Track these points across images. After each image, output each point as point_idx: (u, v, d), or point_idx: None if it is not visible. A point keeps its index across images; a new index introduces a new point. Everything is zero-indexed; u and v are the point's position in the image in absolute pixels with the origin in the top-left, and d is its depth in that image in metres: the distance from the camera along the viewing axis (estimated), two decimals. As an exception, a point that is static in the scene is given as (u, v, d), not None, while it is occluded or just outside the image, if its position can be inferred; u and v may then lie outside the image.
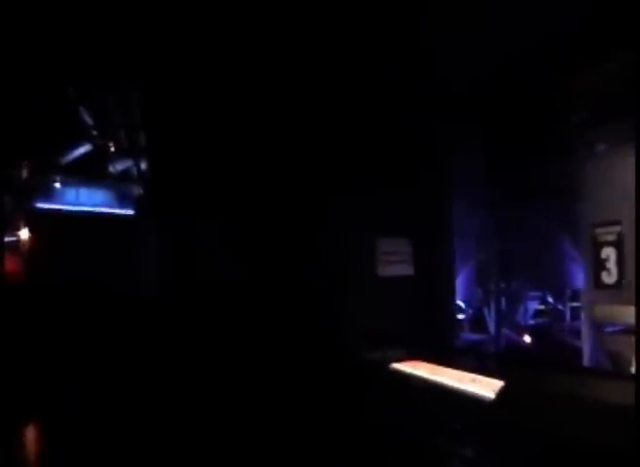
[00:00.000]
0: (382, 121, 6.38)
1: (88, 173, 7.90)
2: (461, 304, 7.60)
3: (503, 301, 7.80)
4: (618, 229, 5.33)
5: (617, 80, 5.08)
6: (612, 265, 5.41)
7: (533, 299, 8.03)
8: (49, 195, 7.64)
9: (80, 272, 7.51)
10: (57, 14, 6.90)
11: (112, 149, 7.92)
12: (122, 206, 8.06)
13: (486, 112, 7.01)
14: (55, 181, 7.64)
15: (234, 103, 6.81)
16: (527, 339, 7.61)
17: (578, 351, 6.55)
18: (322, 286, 6.92)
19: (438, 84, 6.57)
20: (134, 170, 8.00)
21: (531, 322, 7.96)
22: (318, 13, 5.58)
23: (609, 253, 5.45)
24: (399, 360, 6.32)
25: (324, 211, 6.69)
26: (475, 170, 7.39)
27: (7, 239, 7.30)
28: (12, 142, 7.25)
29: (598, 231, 5.58)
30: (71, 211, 7.77)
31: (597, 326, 5.80)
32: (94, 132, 7.83)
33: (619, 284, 5.30)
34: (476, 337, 7.56)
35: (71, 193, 7.78)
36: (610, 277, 5.43)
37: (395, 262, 6.81)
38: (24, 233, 7.34)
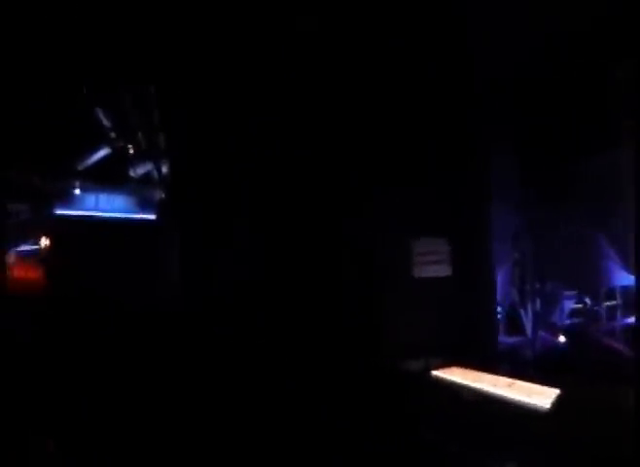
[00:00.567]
0: (424, 120, 6.18)
1: (107, 178, 7.61)
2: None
3: (537, 301, 7.62)
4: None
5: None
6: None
7: (568, 298, 7.85)
8: (68, 201, 7.36)
9: (99, 282, 7.25)
10: (71, 12, 6.61)
11: (131, 151, 7.62)
12: (143, 211, 7.78)
13: (523, 109, 6.82)
14: (74, 187, 7.35)
15: (263, 99, 6.53)
16: (562, 339, 7.43)
17: (618, 353, 6.43)
18: (356, 289, 6.71)
19: (478, 82, 6.37)
20: (155, 174, 7.72)
21: (567, 322, 7.77)
22: (364, 10, 5.34)
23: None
24: (438, 367, 6.15)
25: (360, 213, 6.47)
26: (509, 170, 7.19)
27: (26, 248, 7.06)
28: (27, 147, 6.97)
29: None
30: (91, 217, 7.49)
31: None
32: (112, 134, 7.53)
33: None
34: (513, 339, 7.36)
35: (90, 198, 7.50)
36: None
37: (432, 262, 6.59)
38: (44, 242, 7.06)
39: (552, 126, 6.83)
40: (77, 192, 7.38)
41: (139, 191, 7.78)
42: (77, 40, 6.86)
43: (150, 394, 5.76)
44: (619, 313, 7.40)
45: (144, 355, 6.81)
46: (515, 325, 7.50)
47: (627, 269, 6.59)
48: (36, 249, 7.09)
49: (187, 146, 7.14)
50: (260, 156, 6.78)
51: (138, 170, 7.79)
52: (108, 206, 7.58)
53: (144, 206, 7.80)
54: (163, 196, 7.72)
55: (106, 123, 7.51)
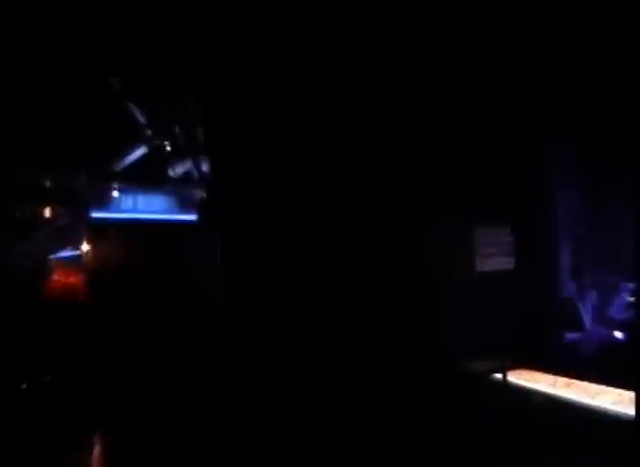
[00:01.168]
0: (482, 108, 5.88)
1: (145, 178, 7.34)
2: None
3: (594, 294, 7.35)
4: None
5: None
6: None
7: (625, 290, 7.56)
8: (106, 203, 7.11)
9: (140, 285, 7.03)
10: (101, 7, 6.33)
11: (168, 148, 7.33)
12: (183, 212, 7.51)
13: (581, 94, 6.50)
14: (113, 189, 7.09)
15: (314, 90, 6.22)
16: (619, 334, 7.16)
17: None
18: (414, 284, 6.45)
19: (536, 68, 6.06)
20: (195, 172, 7.43)
21: (623, 316, 7.49)
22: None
23: None
24: (502, 370, 5.90)
25: (418, 204, 6.17)
26: (568, 157, 6.87)
27: (66, 254, 6.83)
28: (62, 150, 6.71)
29: None
30: (130, 219, 7.23)
31: None
32: (148, 132, 7.24)
33: None
34: (572, 336, 7.09)
35: (128, 200, 7.24)
36: None
37: (494, 254, 6.26)
38: (85, 247, 6.83)
39: (610, 111, 6.51)
40: (115, 194, 7.13)
41: (179, 191, 7.50)
42: (107, 33, 6.58)
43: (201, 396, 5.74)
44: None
45: (189, 357, 6.68)
46: (574, 320, 7.23)
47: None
48: (76, 255, 6.85)
49: (228, 141, 6.81)
50: (307, 151, 6.46)
51: (177, 169, 7.51)
52: (147, 208, 7.32)
53: (184, 207, 7.52)
54: (204, 195, 7.43)
55: (141, 119, 7.21)
